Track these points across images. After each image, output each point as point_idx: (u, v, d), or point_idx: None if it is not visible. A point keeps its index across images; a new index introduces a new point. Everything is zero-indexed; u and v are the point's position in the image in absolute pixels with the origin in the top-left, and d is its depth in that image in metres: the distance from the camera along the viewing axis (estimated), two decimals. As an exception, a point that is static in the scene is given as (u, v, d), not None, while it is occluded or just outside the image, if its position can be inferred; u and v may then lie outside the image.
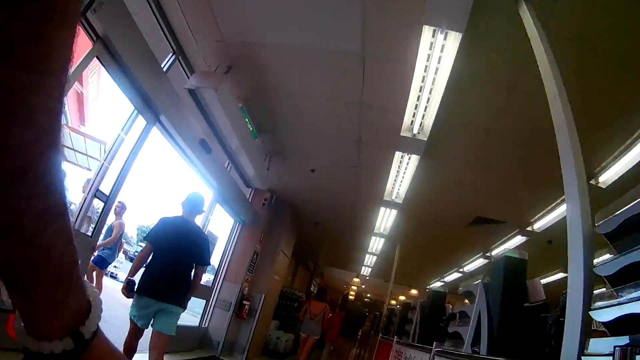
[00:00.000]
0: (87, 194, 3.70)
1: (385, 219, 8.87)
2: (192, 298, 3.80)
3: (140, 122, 4.22)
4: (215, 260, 7.31)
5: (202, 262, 3.72)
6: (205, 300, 7.30)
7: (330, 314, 9.31)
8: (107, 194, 3.86)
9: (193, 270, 3.67)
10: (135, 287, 3.36)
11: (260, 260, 8.42)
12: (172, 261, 3.46)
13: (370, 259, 13.74)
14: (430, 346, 3.12)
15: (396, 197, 7.32)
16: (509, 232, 8.23)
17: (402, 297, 20.15)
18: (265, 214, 8.36)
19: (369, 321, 13.41)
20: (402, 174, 6.28)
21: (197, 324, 7.14)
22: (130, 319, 3.40)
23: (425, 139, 4.93)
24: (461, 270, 12.55)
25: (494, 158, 5.52)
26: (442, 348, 3.01)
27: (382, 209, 8.20)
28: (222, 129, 5.35)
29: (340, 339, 10.02)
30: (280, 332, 10.00)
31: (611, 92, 3.82)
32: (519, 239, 8.18)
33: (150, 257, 3.50)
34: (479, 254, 10.41)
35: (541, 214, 6.92)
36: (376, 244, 11.46)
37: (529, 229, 7.59)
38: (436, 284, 16.05)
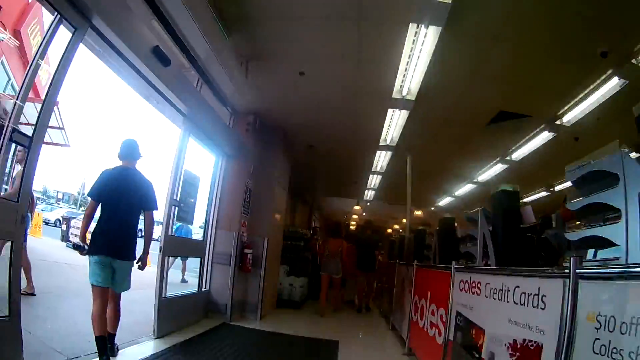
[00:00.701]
0: (2, 140, 2.69)
1: (394, 126, 8.01)
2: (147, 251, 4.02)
3: (64, 35, 3.13)
4: (202, 207, 6.43)
5: (150, 206, 4.00)
6: (199, 258, 6.54)
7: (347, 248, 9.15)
8: (31, 135, 2.84)
9: (141, 219, 3.96)
10: (86, 248, 3.60)
11: (255, 199, 7.61)
12: (120, 214, 3.70)
13: (374, 180, 13.21)
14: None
15: (408, 94, 6.41)
16: (534, 128, 7.73)
17: (404, 220, 19.97)
18: (251, 142, 7.38)
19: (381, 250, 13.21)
20: (416, 57, 5.29)
21: (196, 289, 6.41)
22: (93, 285, 3.56)
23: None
24: (475, 181, 12.27)
25: (526, 29, 4.75)
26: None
27: (390, 111, 7.30)
28: (182, 30, 4.19)
29: (359, 273, 9.76)
30: (291, 278, 9.37)
31: None
32: (545, 136, 7.78)
33: (98, 213, 3.70)
34: (497, 159, 9.99)
35: (573, 102, 6.39)
36: (381, 160, 10.76)
37: (557, 122, 7.10)
38: (446, 200, 15.92)
